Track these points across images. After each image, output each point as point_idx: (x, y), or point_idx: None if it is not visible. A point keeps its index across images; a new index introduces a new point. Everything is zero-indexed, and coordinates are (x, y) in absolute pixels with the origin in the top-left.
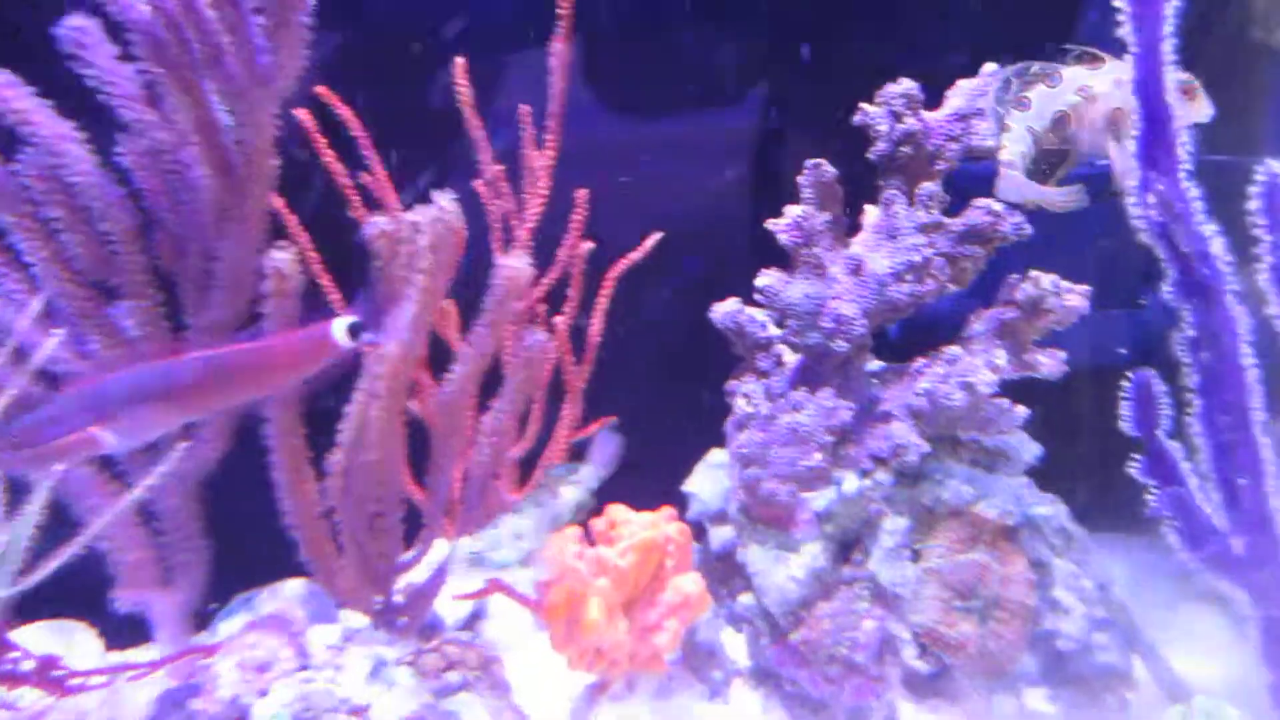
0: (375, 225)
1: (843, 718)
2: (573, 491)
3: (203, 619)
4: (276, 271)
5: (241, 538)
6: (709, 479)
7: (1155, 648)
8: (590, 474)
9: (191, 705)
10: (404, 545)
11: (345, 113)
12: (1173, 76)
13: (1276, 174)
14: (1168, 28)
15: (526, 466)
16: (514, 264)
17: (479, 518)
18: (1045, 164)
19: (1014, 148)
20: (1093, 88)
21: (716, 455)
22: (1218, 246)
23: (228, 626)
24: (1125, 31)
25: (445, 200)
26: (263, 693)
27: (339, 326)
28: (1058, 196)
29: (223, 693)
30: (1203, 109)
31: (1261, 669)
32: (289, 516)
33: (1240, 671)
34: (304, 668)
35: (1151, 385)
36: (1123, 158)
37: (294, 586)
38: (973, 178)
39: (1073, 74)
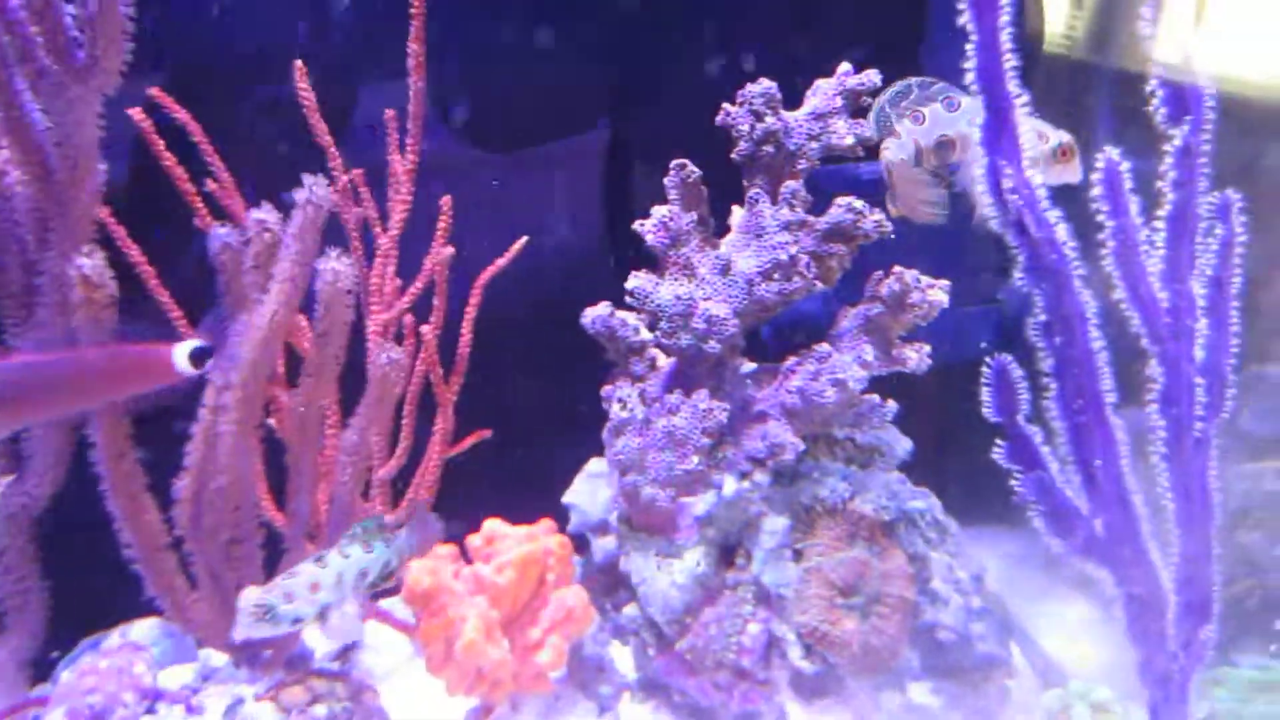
0: (219, 237)
1: None
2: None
3: (43, 668)
4: (83, 279)
5: (89, 577)
6: (589, 489)
7: (1029, 635)
8: (405, 540)
9: None
10: (265, 574)
11: (184, 117)
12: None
13: (1114, 160)
14: (1005, 17)
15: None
16: (335, 266)
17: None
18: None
19: (896, 153)
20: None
21: (596, 464)
22: (1063, 232)
23: (71, 676)
24: (965, 20)
25: (309, 202)
26: None
27: (182, 351)
28: (926, 207)
29: None
30: (1075, 171)
31: (1129, 648)
32: (130, 549)
33: (1110, 654)
34: (150, 711)
35: (1009, 371)
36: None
37: (145, 626)
38: (835, 180)
39: (971, 105)
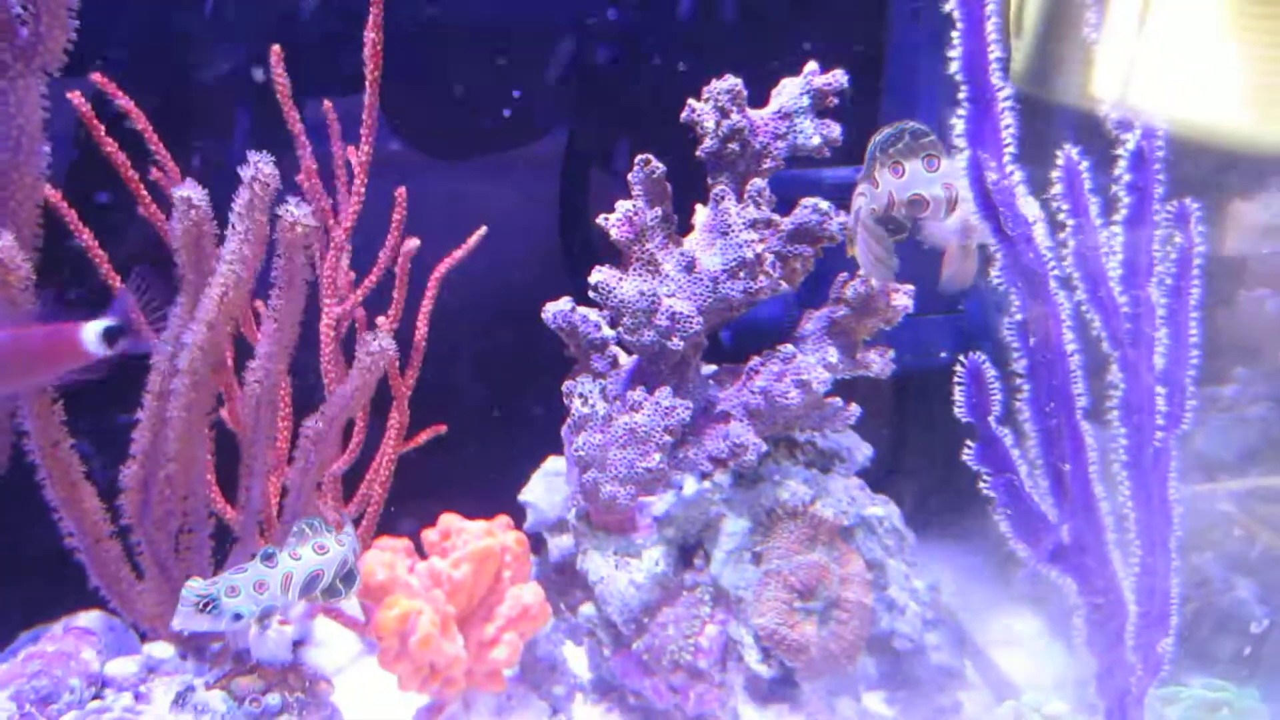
0: (182, 210)
1: None
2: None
3: None
4: None
5: (27, 573)
6: (546, 487)
7: (981, 649)
8: (355, 541)
9: None
10: (214, 566)
11: (127, 104)
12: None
13: (1073, 159)
14: (992, 6)
15: (349, 483)
16: (293, 210)
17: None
18: (884, 226)
19: (866, 204)
20: (959, 191)
21: (554, 463)
22: (1040, 232)
23: (15, 661)
24: (950, 7)
25: (255, 179)
26: None
27: (91, 331)
28: (880, 266)
29: None
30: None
31: (1084, 661)
32: (72, 538)
33: (1061, 669)
34: (97, 697)
35: (982, 372)
36: (957, 265)
37: (89, 618)
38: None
39: (950, 167)
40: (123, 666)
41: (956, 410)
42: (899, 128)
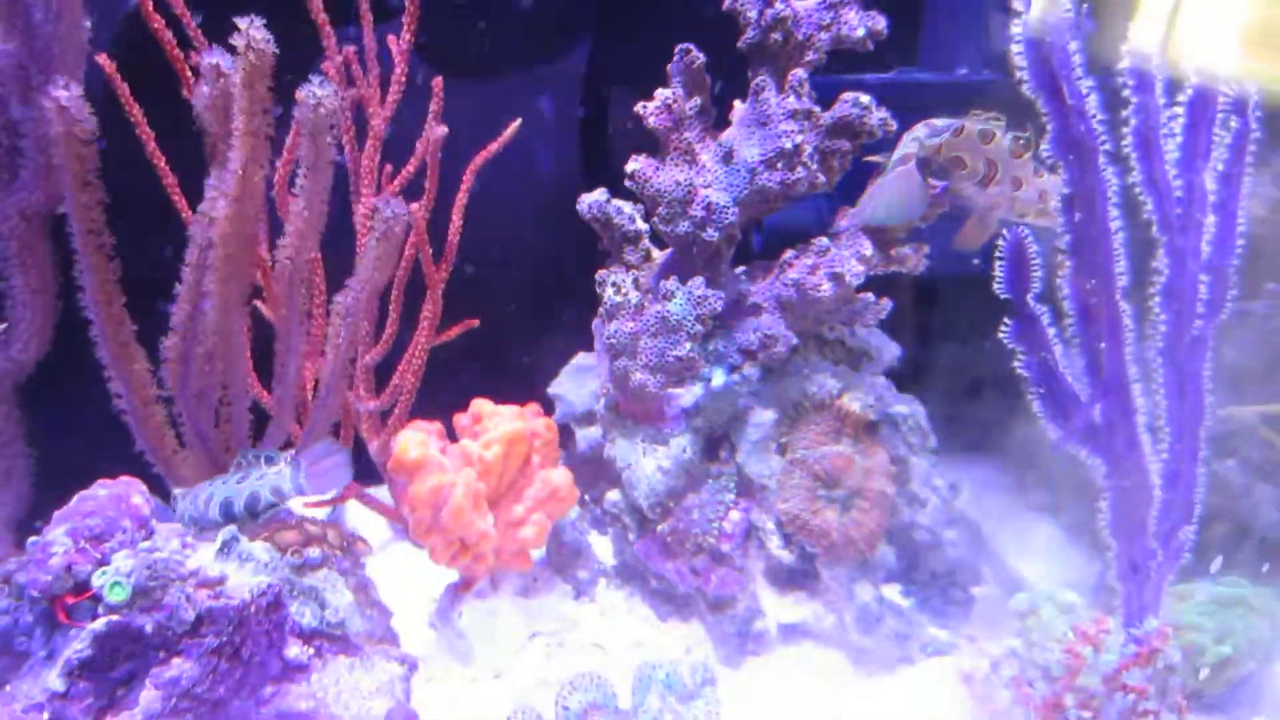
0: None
1: (707, 610)
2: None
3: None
4: (60, 110)
5: (74, 444)
6: (575, 381)
7: (996, 553)
8: (293, 471)
9: (18, 578)
10: (253, 440)
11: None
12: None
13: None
14: None
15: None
16: (315, 91)
17: (332, 410)
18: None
19: (911, 146)
20: (1000, 173)
21: (583, 358)
22: (1093, 104)
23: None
24: None
25: (249, 48)
26: (102, 561)
27: None
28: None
29: (55, 561)
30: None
31: (1105, 557)
32: (119, 400)
33: (1074, 574)
34: (149, 537)
35: (1023, 246)
36: (972, 232)
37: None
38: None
39: (999, 149)
40: (168, 526)
41: (995, 288)
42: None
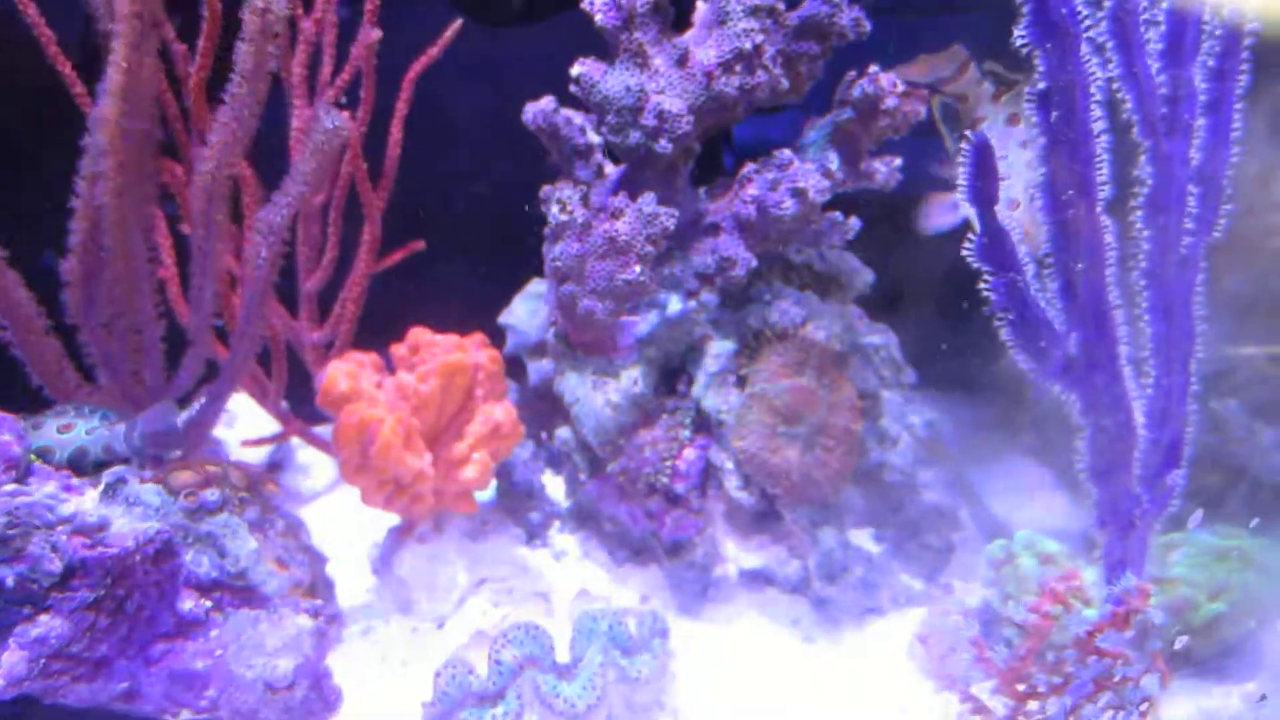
0: None
1: (664, 555)
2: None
3: None
4: None
5: None
6: (528, 309)
7: (979, 496)
8: (126, 430)
9: None
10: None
11: None
12: None
13: None
14: None
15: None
16: None
17: (254, 338)
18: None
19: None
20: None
21: (536, 285)
22: None
23: None
24: None
25: None
26: None
27: None
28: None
29: None
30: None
31: (1090, 486)
32: (6, 333)
33: (1060, 520)
34: (19, 480)
35: (988, 151)
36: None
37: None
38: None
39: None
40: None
41: (961, 200)
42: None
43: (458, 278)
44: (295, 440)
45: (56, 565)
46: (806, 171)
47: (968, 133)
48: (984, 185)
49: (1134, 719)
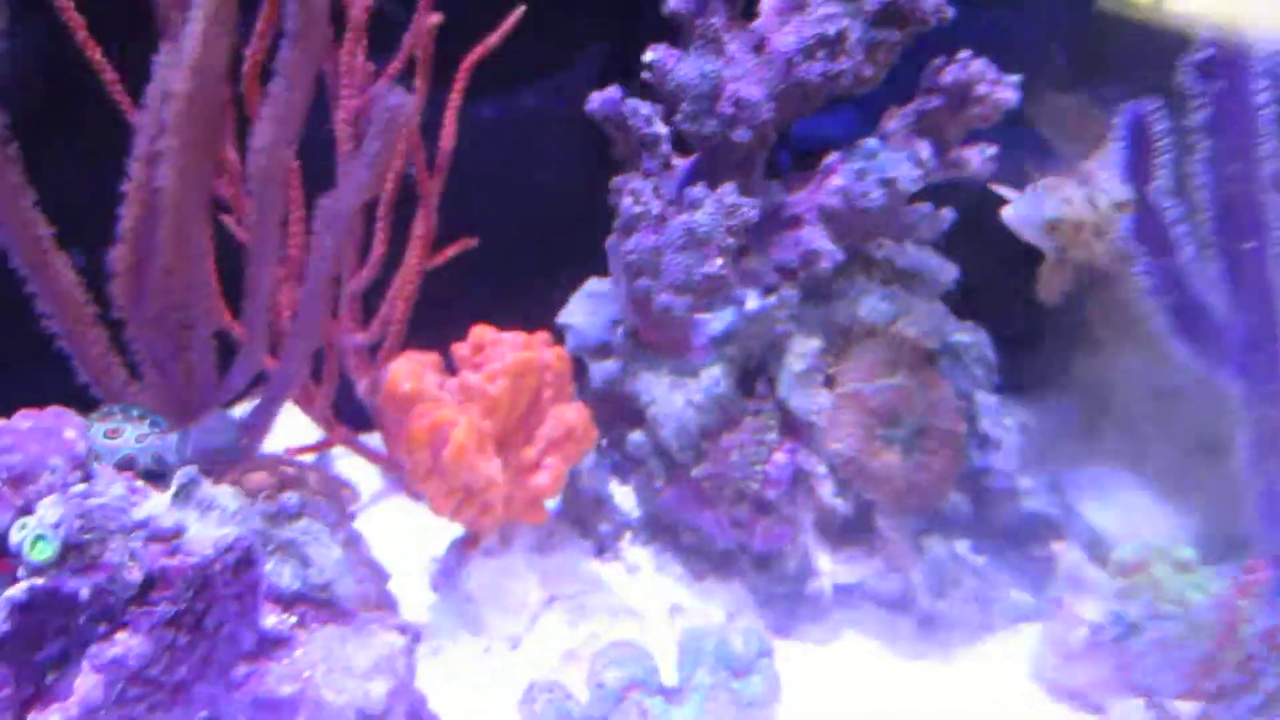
0: None
1: (751, 569)
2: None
3: None
4: None
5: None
6: (588, 308)
7: (1070, 505)
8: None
9: None
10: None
11: None
12: None
13: None
14: None
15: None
16: None
17: (313, 334)
18: None
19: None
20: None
21: (596, 284)
22: None
23: None
24: None
25: None
26: (24, 510)
27: None
28: None
29: None
30: None
31: (1250, 476)
32: (50, 322)
33: (1163, 530)
34: (86, 481)
35: (1147, 122)
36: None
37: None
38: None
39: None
40: (110, 469)
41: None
42: None
43: (503, 278)
44: (335, 451)
45: (138, 575)
46: (896, 160)
47: (1123, 107)
48: (1140, 161)
49: None
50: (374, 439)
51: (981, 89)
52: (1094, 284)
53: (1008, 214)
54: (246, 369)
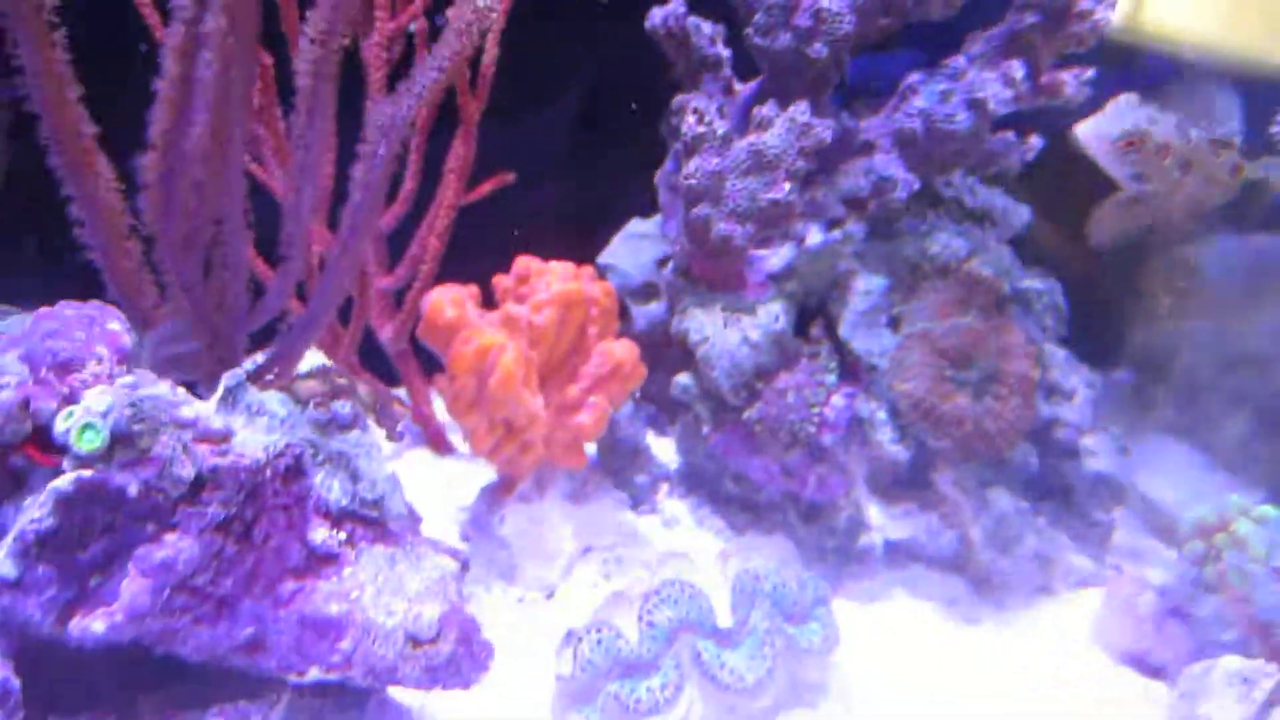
0: None
1: (798, 521)
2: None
3: None
4: None
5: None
6: (630, 249)
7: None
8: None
9: None
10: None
11: None
12: None
13: None
14: None
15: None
16: None
17: (357, 255)
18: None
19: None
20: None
21: (637, 224)
22: None
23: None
24: None
25: None
26: (69, 398)
27: None
28: None
29: (5, 395)
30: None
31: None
32: (82, 231)
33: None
34: (130, 373)
35: None
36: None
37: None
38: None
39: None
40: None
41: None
42: None
43: (538, 219)
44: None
45: (189, 471)
46: (985, 80)
47: None
48: None
49: None
50: (399, 392)
51: (1084, 4)
52: (1163, 238)
53: (1082, 129)
54: (282, 291)
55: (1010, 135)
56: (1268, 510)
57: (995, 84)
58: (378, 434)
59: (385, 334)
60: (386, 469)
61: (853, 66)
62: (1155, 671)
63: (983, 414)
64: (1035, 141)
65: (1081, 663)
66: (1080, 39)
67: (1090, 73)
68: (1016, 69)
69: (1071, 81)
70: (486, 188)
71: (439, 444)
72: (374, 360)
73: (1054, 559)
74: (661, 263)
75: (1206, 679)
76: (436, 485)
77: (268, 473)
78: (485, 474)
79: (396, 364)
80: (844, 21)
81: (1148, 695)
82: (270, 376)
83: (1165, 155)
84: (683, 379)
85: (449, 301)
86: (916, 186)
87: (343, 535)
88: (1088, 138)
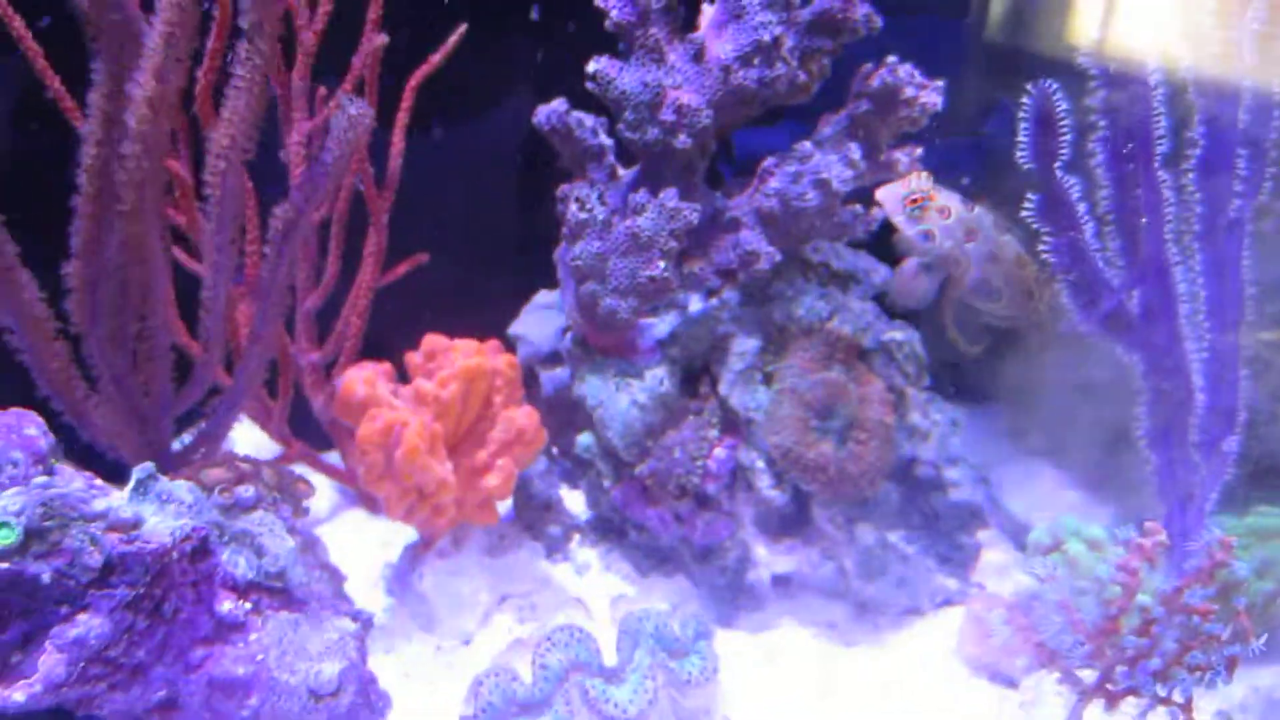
0: None
1: (693, 562)
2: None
3: None
4: None
5: None
6: (537, 320)
7: (997, 499)
8: None
9: None
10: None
11: None
12: None
13: None
14: None
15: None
16: None
17: (270, 344)
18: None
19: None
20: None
21: (544, 296)
22: None
23: None
24: None
25: None
26: None
27: None
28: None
29: None
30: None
31: (1147, 451)
32: (11, 336)
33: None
34: (47, 474)
35: (1050, 105)
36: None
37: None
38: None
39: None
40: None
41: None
42: None
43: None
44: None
45: (97, 559)
46: (829, 163)
47: (1029, 86)
48: (1046, 142)
49: (1221, 679)
50: (332, 458)
51: (909, 92)
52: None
53: (881, 191)
54: (203, 380)
55: (858, 208)
56: (1096, 531)
57: (838, 165)
58: (320, 494)
59: (317, 404)
60: (289, 543)
61: (740, 139)
62: (1008, 682)
63: (845, 458)
64: (877, 213)
65: (943, 675)
66: (912, 121)
67: (919, 151)
68: (854, 151)
69: (904, 159)
70: (402, 269)
71: (372, 505)
72: (311, 427)
73: (922, 582)
74: (566, 330)
75: (1039, 688)
76: (369, 544)
77: (175, 554)
78: (411, 533)
79: (329, 431)
80: (703, 116)
81: (1001, 705)
82: (198, 455)
83: (946, 215)
84: (583, 439)
85: (361, 380)
86: (779, 258)
87: (248, 605)
88: (883, 196)
